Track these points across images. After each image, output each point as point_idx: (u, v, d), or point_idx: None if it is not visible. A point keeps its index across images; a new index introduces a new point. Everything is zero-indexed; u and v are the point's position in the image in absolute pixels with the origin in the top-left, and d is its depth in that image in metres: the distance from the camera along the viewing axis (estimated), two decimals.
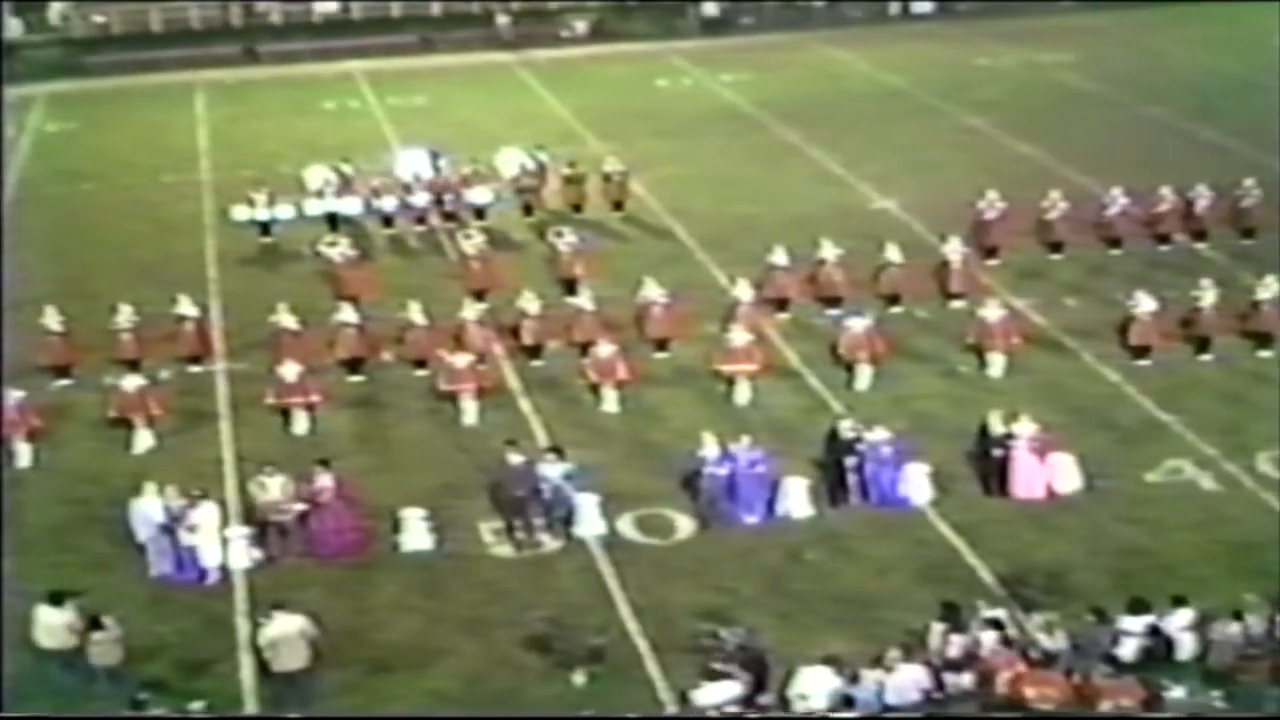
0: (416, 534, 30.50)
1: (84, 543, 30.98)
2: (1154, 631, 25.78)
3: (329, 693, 26.10)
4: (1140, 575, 28.30)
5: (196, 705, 25.37)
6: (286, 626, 25.89)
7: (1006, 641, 25.00)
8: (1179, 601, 26.14)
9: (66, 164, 59.13)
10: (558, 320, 38.94)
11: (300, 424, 35.48)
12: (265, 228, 48.33)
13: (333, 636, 26.66)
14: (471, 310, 38.58)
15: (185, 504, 29.52)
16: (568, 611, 27.84)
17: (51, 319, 38.57)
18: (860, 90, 66.58)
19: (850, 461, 31.37)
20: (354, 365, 38.11)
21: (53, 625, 26.28)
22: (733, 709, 24.64)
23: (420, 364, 37.84)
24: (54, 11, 77.82)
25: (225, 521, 30.25)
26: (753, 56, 74.16)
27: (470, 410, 35.73)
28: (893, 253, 41.11)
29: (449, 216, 49.01)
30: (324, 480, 30.15)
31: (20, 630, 26.89)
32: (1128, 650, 25.62)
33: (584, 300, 39.41)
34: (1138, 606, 26.05)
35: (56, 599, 26.47)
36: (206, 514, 29.52)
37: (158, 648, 27.39)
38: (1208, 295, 37.86)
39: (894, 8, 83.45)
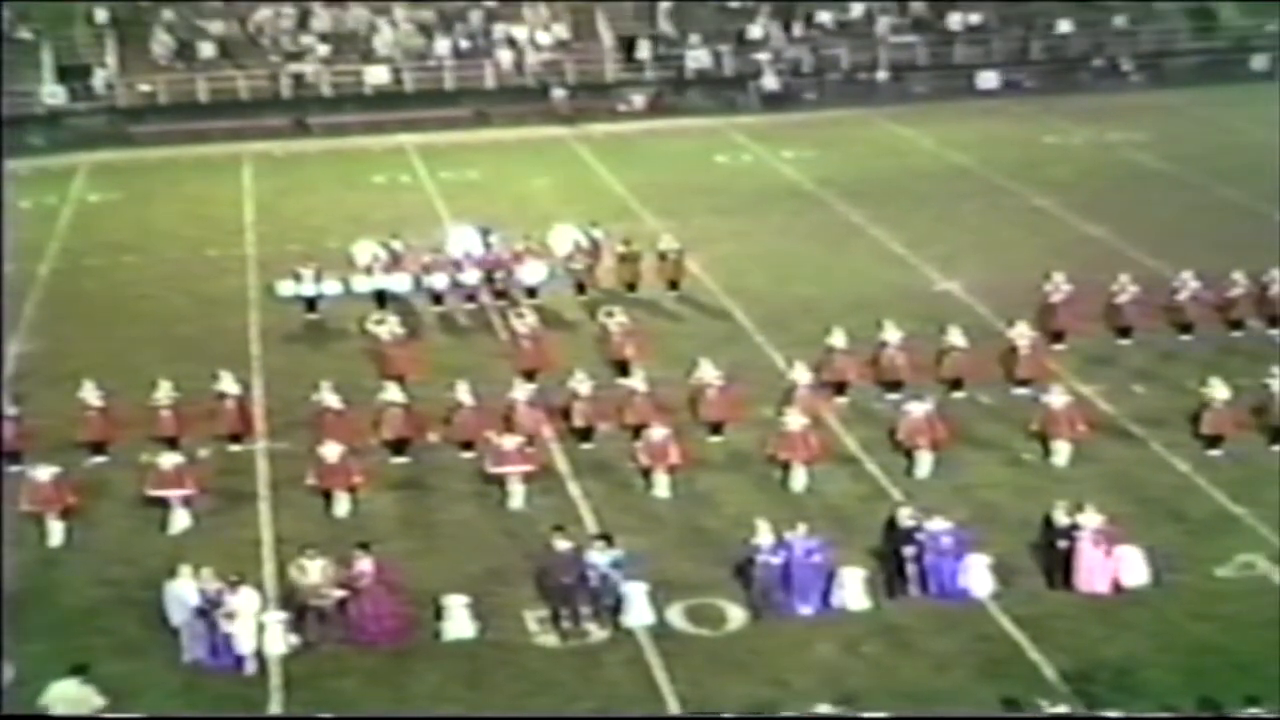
0: (459, 621, 30.39)
1: (116, 625, 31.01)
2: None
3: None
4: (1212, 673, 28.04)
5: None
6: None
7: None
8: (1252, 701, 25.84)
9: (108, 235, 59.56)
10: (609, 402, 38.94)
11: (341, 506, 35.50)
12: (311, 304, 48.65)
13: None
14: (521, 391, 38.61)
15: (221, 588, 29.52)
16: (615, 704, 27.81)
17: (90, 394, 38.75)
18: (925, 168, 66.66)
19: (909, 551, 31.20)
20: (399, 446, 38.16)
21: (70, 699, 26.44)
22: None
23: (467, 445, 37.84)
24: (99, 79, 78.38)
25: (264, 606, 30.21)
26: (815, 133, 74.37)
27: (518, 494, 35.73)
28: (956, 336, 41.04)
29: (500, 295, 49.19)
30: (363, 564, 30.13)
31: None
32: None
33: (637, 382, 39.38)
34: (1209, 706, 25.80)
35: (79, 670, 26.83)
36: (245, 600, 29.48)
37: None
38: None
39: (960, 83, 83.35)
